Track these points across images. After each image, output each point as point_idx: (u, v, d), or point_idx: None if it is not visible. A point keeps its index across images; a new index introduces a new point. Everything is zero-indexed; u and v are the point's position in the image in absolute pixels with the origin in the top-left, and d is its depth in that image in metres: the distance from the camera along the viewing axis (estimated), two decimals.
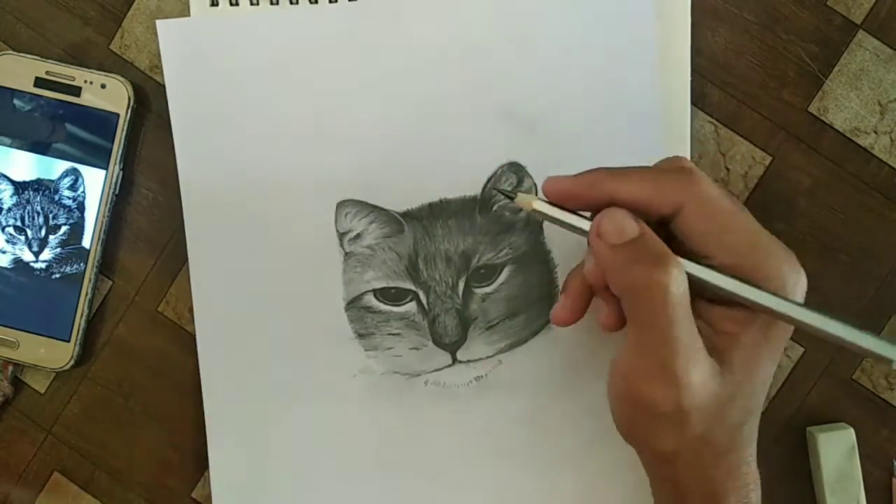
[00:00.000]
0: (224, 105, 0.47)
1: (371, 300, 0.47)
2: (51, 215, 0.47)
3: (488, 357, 0.47)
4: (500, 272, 0.47)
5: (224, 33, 0.47)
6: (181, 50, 0.47)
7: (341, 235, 0.47)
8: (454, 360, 0.47)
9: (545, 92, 0.46)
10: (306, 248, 0.47)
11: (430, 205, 0.46)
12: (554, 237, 0.47)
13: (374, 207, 0.47)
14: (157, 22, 0.47)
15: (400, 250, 0.46)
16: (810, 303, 0.47)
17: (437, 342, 0.47)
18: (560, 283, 0.47)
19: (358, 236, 0.47)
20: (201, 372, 0.47)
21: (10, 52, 0.48)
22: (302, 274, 0.47)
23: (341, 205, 0.47)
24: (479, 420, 0.47)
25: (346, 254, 0.47)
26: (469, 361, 0.47)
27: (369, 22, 0.46)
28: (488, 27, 0.46)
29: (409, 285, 0.46)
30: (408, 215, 0.47)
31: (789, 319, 0.35)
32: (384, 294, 0.47)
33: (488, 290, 0.47)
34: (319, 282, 0.47)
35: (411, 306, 0.47)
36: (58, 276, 0.47)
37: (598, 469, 0.47)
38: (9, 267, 0.47)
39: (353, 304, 0.47)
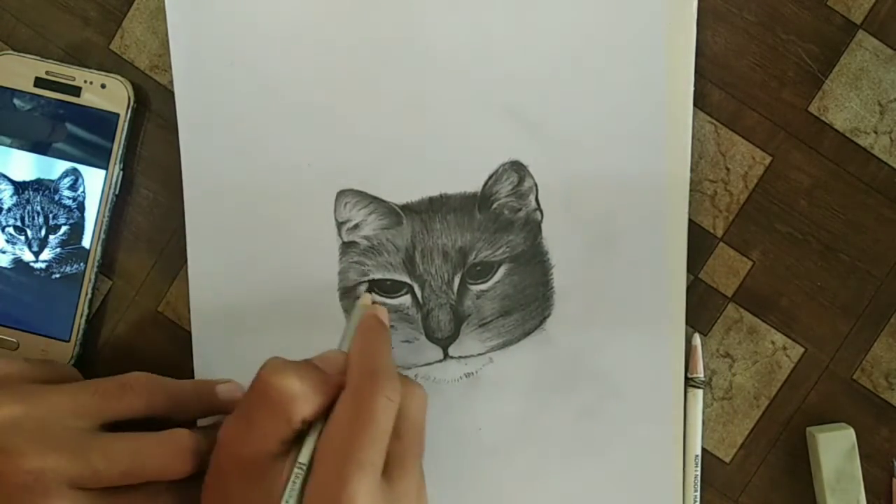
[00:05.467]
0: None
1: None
2: (51, 215, 0.47)
3: (480, 354, 0.47)
4: (496, 270, 0.47)
5: (231, 14, 0.47)
6: (188, 25, 0.47)
7: (340, 224, 0.47)
8: (445, 356, 0.47)
9: (550, 91, 0.46)
10: (304, 236, 0.47)
11: (430, 199, 0.47)
12: (552, 238, 0.47)
13: (374, 198, 0.47)
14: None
15: (397, 243, 0.47)
16: (811, 306, 0.47)
17: (430, 336, 0.47)
18: (556, 284, 0.47)
19: (356, 226, 0.47)
20: (195, 366, 0.47)
21: (10, 52, 0.48)
22: (298, 261, 0.47)
23: (341, 194, 0.47)
24: (467, 417, 0.47)
25: (344, 243, 0.47)
26: (460, 358, 0.47)
27: (376, 16, 0.46)
28: (496, 24, 0.46)
29: (405, 278, 0.46)
30: (407, 208, 0.47)
31: None
32: (379, 285, 0.47)
33: (483, 287, 0.47)
34: (316, 271, 0.47)
35: (406, 299, 0.47)
36: (58, 276, 0.47)
37: (588, 473, 0.47)
38: (9, 267, 0.47)
39: (348, 294, 0.47)
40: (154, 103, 0.48)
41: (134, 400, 0.41)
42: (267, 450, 0.36)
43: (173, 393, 0.43)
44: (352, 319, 0.41)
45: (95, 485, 0.38)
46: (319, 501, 0.35)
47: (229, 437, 0.37)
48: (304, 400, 0.36)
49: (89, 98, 0.47)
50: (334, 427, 0.36)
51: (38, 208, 0.47)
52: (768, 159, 0.47)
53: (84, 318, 0.48)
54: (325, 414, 0.37)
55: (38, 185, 0.47)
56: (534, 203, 0.47)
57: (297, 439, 0.37)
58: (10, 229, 0.47)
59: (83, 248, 0.47)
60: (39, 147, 0.47)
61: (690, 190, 0.47)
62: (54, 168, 0.47)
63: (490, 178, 0.46)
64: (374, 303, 0.45)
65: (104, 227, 0.47)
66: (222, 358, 0.47)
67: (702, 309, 0.47)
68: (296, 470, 0.36)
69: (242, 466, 0.37)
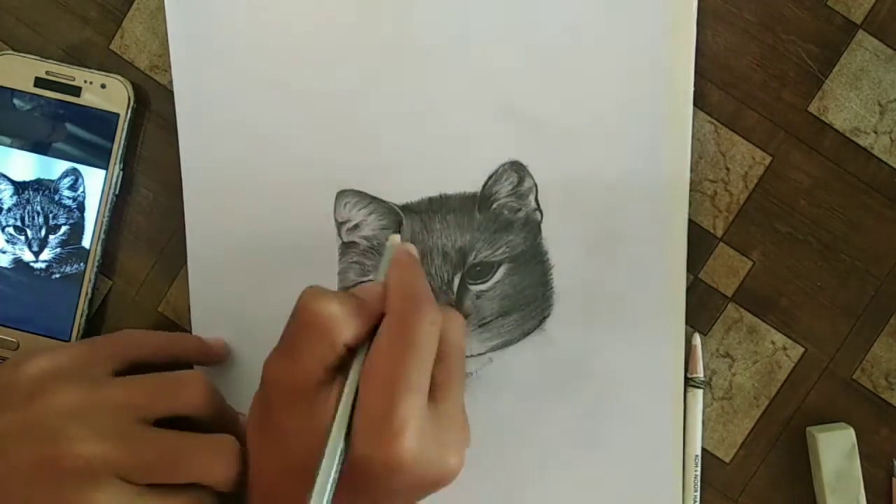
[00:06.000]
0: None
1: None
2: (51, 215, 0.47)
3: (479, 355, 0.47)
4: (496, 270, 0.47)
5: (231, 14, 0.47)
6: (188, 24, 0.47)
7: (339, 225, 0.47)
8: None
9: (550, 91, 0.46)
10: (304, 236, 0.47)
11: (430, 199, 0.47)
12: (552, 238, 0.47)
13: (374, 199, 0.47)
14: None
15: None
16: (811, 306, 0.47)
17: None
18: (555, 284, 0.47)
19: (356, 227, 0.47)
20: (194, 367, 0.47)
21: (10, 52, 0.48)
22: (298, 261, 0.47)
23: (341, 194, 0.47)
24: None
25: (344, 243, 0.47)
26: None
27: (376, 16, 0.46)
28: (494, 24, 0.46)
29: None
30: (407, 208, 0.47)
31: None
32: None
33: (483, 287, 0.47)
34: (316, 271, 0.47)
35: None
36: (58, 276, 0.47)
37: (588, 473, 0.47)
38: (9, 267, 0.47)
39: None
40: (154, 103, 0.48)
41: (187, 398, 0.41)
42: (313, 377, 0.36)
43: (221, 402, 0.43)
44: (384, 256, 0.41)
45: (141, 478, 0.39)
46: (369, 425, 0.35)
47: (274, 369, 0.37)
48: (345, 323, 0.36)
49: (89, 98, 0.47)
50: (379, 351, 0.36)
51: (38, 208, 0.47)
52: (768, 159, 0.47)
53: (84, 318, 0.48)
54: (366, 340, 0.37)
55: (38, 185, 0.47)
56: (533, 203, 0.46)
57: (341, 368, 0.37)
58: (10, 229, 0.47)
59: (83, 248, 0.47)
60: (39, 147, 0.47)
61: (690, 190, 0.47)
62: (54, 168, 0.47)
63: (490, 178, 0.46)
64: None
65: (104, 227, 0.47)
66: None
67: (702, 309, 0.47)
68: (344, 396, 0.36)
69: (289, 397, 0.37)
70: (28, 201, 0.47)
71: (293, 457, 0.37)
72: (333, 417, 0.35)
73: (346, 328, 0.36)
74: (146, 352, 0.44)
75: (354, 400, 0.36)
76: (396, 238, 0.41)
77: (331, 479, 0.34)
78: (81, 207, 0.47)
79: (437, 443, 0.36)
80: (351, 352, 0.37)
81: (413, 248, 0.41)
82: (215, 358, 0.47)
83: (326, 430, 0.35)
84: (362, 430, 0.35)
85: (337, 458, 0.35)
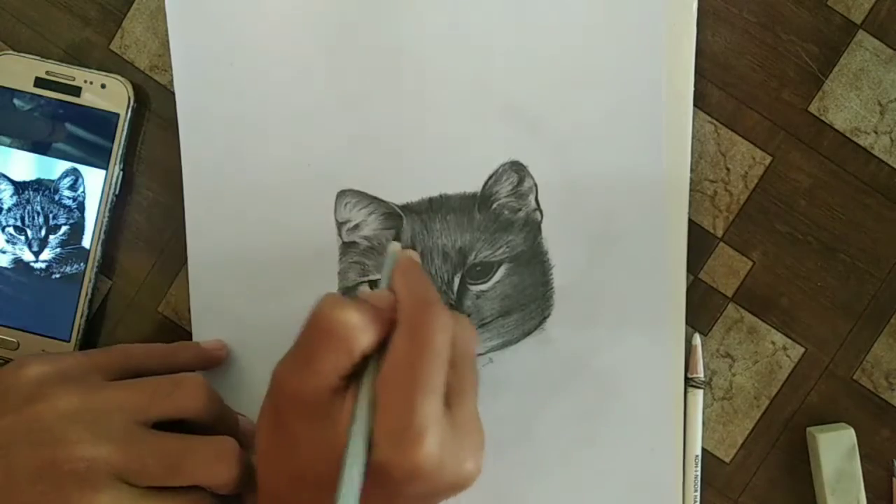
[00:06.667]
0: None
1: (366, 291, 0.47)
2: (51, 215, 0.47)
3: (479, 355, 0.47)
4: (496, 270, 0.47)
5: (231, 14, 0.47)
6: (188, 25, 0.47)
7: (340, 225, 0.47)
8: None
9: (550, 91, 0.46)
10: (304, 236, 0.47)
11: (430, 199, 0.47)
12: (552, 238, 0.47)
13: (374, 199, 0.47)
14: None
15: None
16: (811, 306, 0.47)
17: None
18: (555, 284, 0.47)
19: (356, 227, 0.47)
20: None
21: (10, 52, 0.48)
22: (298, 263, 0.47)
23: (341, 194, 0.47)
24: None
25: (344, 244, 0.47)
26: None
27: (376, 16, 0.46)
28: (494, 24, 0.46)
29: None
30: (407, 208, 0.47)
31: None
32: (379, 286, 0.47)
33: (483, 287, 0.47)
34: (316, 271, 0.47)
35: None
36: (58, 276, 0.47)
37: (587, 473, 0.47)
38: (9, 267, 0.47)
39: (348, 295, 0.47)
40: (154, 103, 0.48)
41: (184, 398, 0.41)
42: (328, 385, 0.36)
43: (220, 404, 0.43)
44: (385, 265, 0.41)
45: (141, 480, 0.39)
46: (390, 430, 0.35)
47: (288, 375, 0.37)
48: (363, 331, 0.36)
49: (89, 98, 0.47)
50: (396, 357, 0.36)
51: (38, 208, 0.47)
52: (768, 159, 0.47)
53: (84, 318, 0.48)
54: (379, 348, 0.37)
55: (38, 185, 0.47)
56: (534, 203, 0.47)
57: (355, 375, 0.37)
58: (10, 229, 0.47)
59: (83, 248, 0.47)
60: (39, 147, 0.47)
61: (690, 190, 0.47)
62: (54, 168, 0.47)
63: (490, 178, 0.46)
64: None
65: (104, 227, 0.47)
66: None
67: (702, 309, 0.47)
68: (363, 403, 0.36)
69: (303, 405, 0.36)
70: (28, 201, 0.47)
71: (306, 464, 0.37)
72: (352, 425, 0.35)
73: (364, 336, 0.36)
74: (145, 364, 0.44)
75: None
76: (397, 245, 0.41)
77: (356, 488, 0.34)
78: (81, 207, 0.47)
79: (456, 448, 0.36)
80: (364, 360, 0.37)
81: (415, 254, 0.41)
82: (215, 362, 0.47)
83: (348, 438, 0.35)
84: (383, 436, 0.35)
85: (361, 465, 0.34)
